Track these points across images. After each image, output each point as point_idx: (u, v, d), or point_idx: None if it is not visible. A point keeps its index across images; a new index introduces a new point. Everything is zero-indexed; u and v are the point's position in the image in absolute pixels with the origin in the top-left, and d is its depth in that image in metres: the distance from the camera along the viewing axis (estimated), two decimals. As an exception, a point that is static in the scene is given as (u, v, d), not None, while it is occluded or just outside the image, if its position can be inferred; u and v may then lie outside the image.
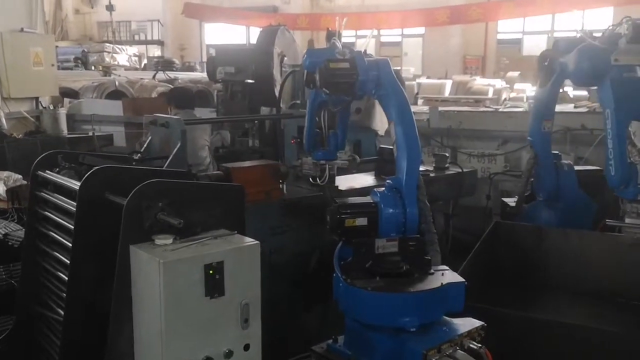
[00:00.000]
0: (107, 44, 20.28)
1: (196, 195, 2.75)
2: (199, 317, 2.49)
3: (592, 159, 6.15)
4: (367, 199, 3.22)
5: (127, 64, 19.14)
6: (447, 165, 5.26)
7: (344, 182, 4.35)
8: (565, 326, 3.20)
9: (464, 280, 3.01)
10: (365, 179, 4.67)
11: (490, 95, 13.14)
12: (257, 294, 2.63)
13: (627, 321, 3.74)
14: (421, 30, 21.43)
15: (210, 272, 2.47)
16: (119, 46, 20.39)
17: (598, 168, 5.12)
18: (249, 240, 2.66)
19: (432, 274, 3.08)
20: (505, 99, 12.40)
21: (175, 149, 3.95)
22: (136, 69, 17.95)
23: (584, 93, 8.71)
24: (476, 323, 2.96)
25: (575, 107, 7.48)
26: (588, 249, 4.12)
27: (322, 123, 3.88)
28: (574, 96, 8.77)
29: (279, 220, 3.86)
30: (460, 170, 5.29)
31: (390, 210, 3.09)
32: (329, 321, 3.91)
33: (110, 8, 20.94)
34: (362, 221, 3.08)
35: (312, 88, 3.46)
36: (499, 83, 13.77)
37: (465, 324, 2.96)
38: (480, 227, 6.13)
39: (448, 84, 14.15)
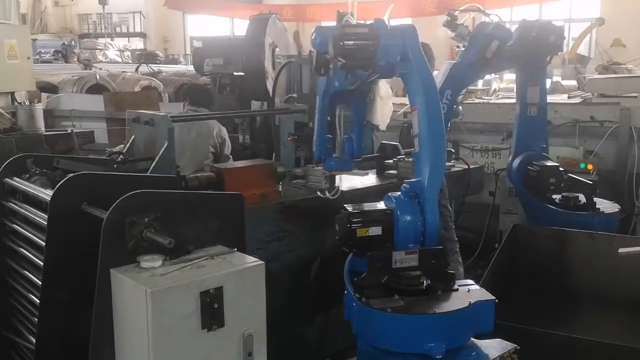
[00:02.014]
0: (100, 39, 19.82)
1: (188, 207, 2.40)
2: (195, 353, 2.17)
3: (601, 152, 5.88)
4: (380, 205, 2.92)
5: (119, 59, 18.63)
6: (452, 161, 4.94)
7: (345, 181, 4.01)
8: (606, 347, 2.89)
9: (494, 297, 2.69)
10: (367, 178, 4.33)
11: (480, 86, 12.94)
12: (262, 323, 2.30)
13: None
14: (408, 21, 21.18)
15: (208, 300, 2.15)
16: (110, 41, 19.94)
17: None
18: (252, 260, 2.32)
19: (457, 290, 2.77)
20: (495, 90, 12.20)
21: (162, 150, 3.56)
22: (127, 64, 17.51)
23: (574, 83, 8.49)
24: (508, 346, 2.67)
25: (569, 97, 7.22)
26: (617, 254, 3.79)
27: (336, 124, 3.43)
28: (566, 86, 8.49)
29: (276, 225, 3.59)
30: (466, 167, 5.00)
31: (409, 218, 2.81)
32: (330, 332, 3.74)
33: (103, 1, 20.45)
34: (376, 230, 2.80)
35: (323, 74, 3.02)
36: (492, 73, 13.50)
37: (496, 346, 2.67)
38: (484, 225, 5.91)
39: (435, 74, 13.85)
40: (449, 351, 2.54)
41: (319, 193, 3.52)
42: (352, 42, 2.74)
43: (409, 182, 2.87)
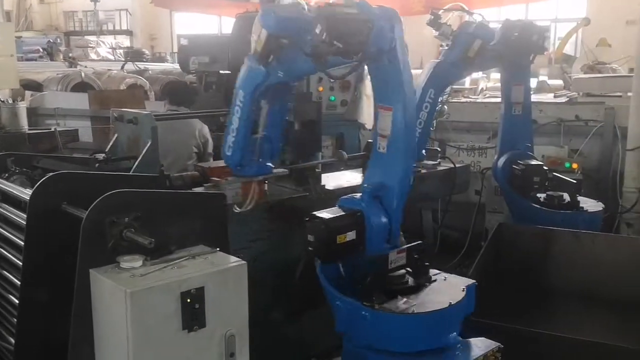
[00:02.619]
0: (91, 37, 19.59)
1: (170, 207, 2.36)
2: (175, 354, 2.13)
3: (586, 151, 5.91)
4: (346, 208, 2.80)
5: (111, 57, 18.42)
6: (438, 160, 4.93)
7: (331, 180, 3.99)
8: (590, 345, 2.90)
9: (474, 280, 2.78)
10: (353, 177, 4.32)
11: (467, 85, 12.96)
12: (245, 323, 2.27)
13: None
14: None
15: (189, 300, 2.10)
16: (102, 39, 19.73)
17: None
18: (234, 260, 2.28)
19: (436, 280, 2.83)
20: (482, 89, 12.23)
21: (145, 149, 3.52)
22: (120, 62, 17.30)
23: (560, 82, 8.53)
24: (492, 344, 2.68)
25: (555, 96, 7.26)
26: (602, 252, 3.83)
27: (262, 122, 3.05)
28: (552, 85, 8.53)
29: (261, 224, 3.54)
30: (452, 166, 4.98)
31: (381, 220, 2.76)
32: (315, 332, 3.64)
33: (95, -1, 20.30)
34: (351, 235, 2.71)
35: (270, 62, 2.72)
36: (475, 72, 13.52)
37: (480, 345, 2.68)
38: (470, 224, 5.92)
39: (420, 73, 13.86)
40: (433, 351, 2.56)
41: (236, 207, 3.09)
42: (347, 25, 2.46)
43: (372, 184, 2.80)
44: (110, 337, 2.13)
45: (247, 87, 2.88)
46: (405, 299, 2.62)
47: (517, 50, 4.38)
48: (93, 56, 17.49)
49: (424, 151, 4.15)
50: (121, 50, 19.52)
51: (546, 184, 4.52)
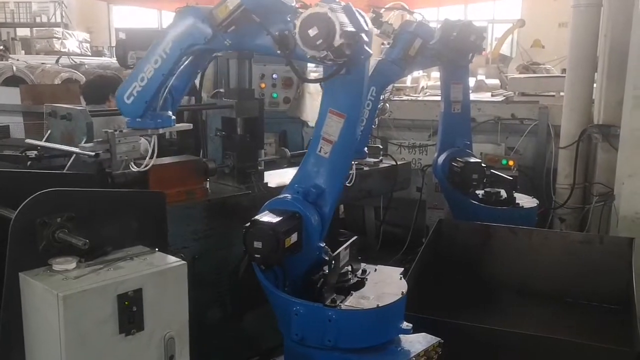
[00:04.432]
0: (56, 28, 18.58)
1: (105, 206, 2.27)
2: None
3: (521, 149, 6.10)
4: (281, 211, 2.74)
5: (77, 50, 17.58)
6: (380, 157, 4.99)
7: (273, 178, 3.97)
8: (526, 337, 2.99)
9: (402, 268, 2.89)
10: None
11: (408, 83, 13.15)
12: (185, 324, 2.21)
13: (577, 325, 3.65)
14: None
15: (126, 303, 2.03)
16: (69, 31, 18.78)
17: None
18: (173, 260, 2.22)
19: (369, 273, 2.88)
20: (423, 87, 12.44)
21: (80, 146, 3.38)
22: (87, 56, 16.49)
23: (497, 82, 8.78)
24: (433, 340, 2.72)
25: (492, 95, 7.46)
26: (536, 247, 3.96)
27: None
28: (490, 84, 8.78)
29: (202, 223, 3.49)
30: (394, 163, 5.05)
31: (316, 219, 2.75)
32: (259, 330, 3.68)
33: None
34: (294, 237, 2.68)
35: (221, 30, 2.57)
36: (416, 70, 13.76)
37: (421, 340, 2.71)
38: (411, 221, 6.01)
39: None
40: (374, 347, 2.57)
41: (132, 166, 2.87)
42: (343, 34, 2.38)
43: (308, 185, 2.76)
44: (42, 344, 2.04)
45: (182, 42, 2.73)
46: (358, 295, 2.64)
47: (456, 50, 4.47)
48: (58, 48, 16.63)
49: (365, 149, 4.18)
50: (87, 44, 18.72)
51: (484, 180, 4.63)
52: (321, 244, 2.77)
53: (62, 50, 16.10)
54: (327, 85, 2.76)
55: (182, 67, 2.94)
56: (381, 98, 4.41)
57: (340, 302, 2.62)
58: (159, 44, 2.80)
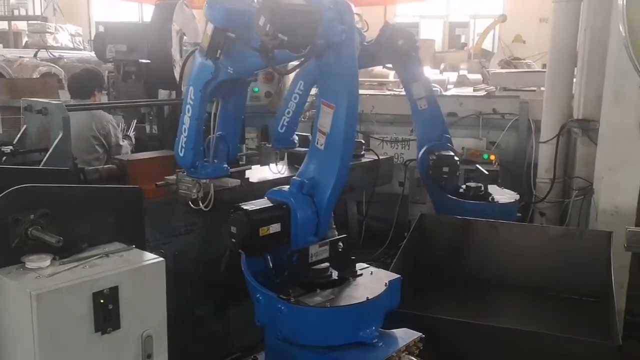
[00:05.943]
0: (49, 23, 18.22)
1: (81, 202, 2.22)
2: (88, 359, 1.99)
3: (502, 143, 6.14)
4: (273, 200, 2.76)
5: (70, 44, 17.26)
6: (362, 152, 4.96)
7: (254, 173, 3.93)
8: (506, 331, 3.00)
9: (399, 275, 2.78)
10: (277, 170, 4.26)
11: (391, 78, 13.19)
12: (163, 323, 2.17)
13: (557, 318, 3.67)
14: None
15: (101, 301, 1.98)
16: (61, 25, 18.44)
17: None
18: (151, 257, 2.17)
19: (362, 274, 2.81)
20: (405, 82, 12.47)
21: (56, 141, 3.33)
22: (80, 50, 16.16)
23: (479, 76, 8.83)
24: (414, 335, 2.71)
25: (474, 90, 7.49)
26: (517, 241, 3.98)
27: (212, 122, 2.97)
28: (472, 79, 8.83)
29: (183, 218, 3.46)
30: (376, 158, 5.03)
31: (308, 213, 2.72)
32: (240, 327, 3.68)
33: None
34: (275, 227, 2.67)
35: (218, 57, 2.63)
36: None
37: (403, 335, 2.70)
38: (394, 215, 6.02)
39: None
40: (356, 343, 2.55)
41: (191, 204, 3.07)
42: (294, 15, 2.33)
43: (304, 178, 2.75)
44: (15, 344, 1.98)
45: (198, 84, 2.78)
46: (323, 293, 2.59)
47: (388, 52, 4.46)
48: (51, 42, 16.31)
49: (295, 139, 4.08)
50: (80, 38, 18.39)
51: (457, 174, 4.63)
52: (315, 238, 2.72)
53: (55, 45, 15.87)
54: (319, 78, 2.76)
55: (219, 113, 3.02)
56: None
57: (299, 297, 2.55)
58: (186, 95, 2.91)
